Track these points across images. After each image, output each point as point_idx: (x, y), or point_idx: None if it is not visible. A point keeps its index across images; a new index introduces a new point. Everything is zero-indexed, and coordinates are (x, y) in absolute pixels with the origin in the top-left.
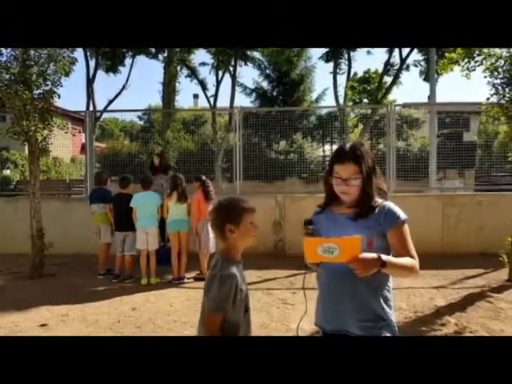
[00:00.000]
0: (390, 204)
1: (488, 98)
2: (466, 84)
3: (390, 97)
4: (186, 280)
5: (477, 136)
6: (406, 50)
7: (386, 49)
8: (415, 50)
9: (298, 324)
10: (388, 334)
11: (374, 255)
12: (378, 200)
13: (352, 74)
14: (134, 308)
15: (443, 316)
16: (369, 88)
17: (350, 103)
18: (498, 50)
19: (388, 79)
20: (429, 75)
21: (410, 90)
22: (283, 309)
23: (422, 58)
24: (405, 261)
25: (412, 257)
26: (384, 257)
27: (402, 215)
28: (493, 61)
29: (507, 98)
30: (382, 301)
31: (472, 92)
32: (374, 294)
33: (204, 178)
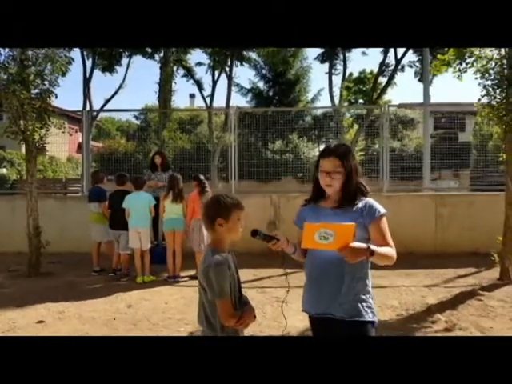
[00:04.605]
0: (370, 200)
1: (479, 100)
2: (464, 85)
3: (386, 97)
4: (180, 278)
5: (472, 137)
6: (400, 51)
7: (381, 50)
8: (410, 51)
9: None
10: (369, 315)
11: (363, 245)
12: (362, 197)
13: (347, 74)
14: (130, 305)
15: (434, 314)
16: (364, 88)
17: (346, 103)
18: (488, 52)
19: (383, 80)
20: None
21: (406, 90)
22: (277, 307)
23: (417, 58)
24: (387, 250)
25: (390, 246)
26: (372, 247)
27: (382, 210)
28: (484, 63)
29: (498, 100)
30: (363, 286)
31: (469, 93)
32: (356, 280)
33: (202, 177)
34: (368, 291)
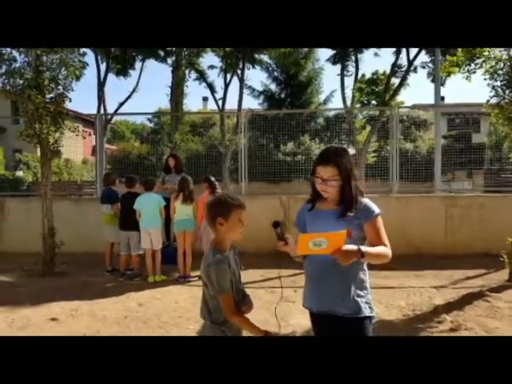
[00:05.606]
0: (366, 200)
1: (488, 100)
2: (478, 85)
3: (399, 98)
4: (191, 278)
5: (486, 137)
6: (413, 52)
7: (393, 51)
8: (423, 52)
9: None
10: (368, 310)
11: (354, 247)
12: (361, 199)
13: (360, 75)
14: (141, 304)
15: (440, 314)
16: (377, 90)
17: (358, 105)
18: (498, 53)
19: (396, 81)
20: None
21: (421, 91)
22: (284, 306)
23: (430, 59)
24: (379, 250)
25: (385, 245)
26: (363, 248)
27: (377, 210)
28: (493, 63)
29: (507, 100)
30: (361, 283)
31: (484, 93)
32: (354, 277)
33: (213, 179)
34: (366, 287)
